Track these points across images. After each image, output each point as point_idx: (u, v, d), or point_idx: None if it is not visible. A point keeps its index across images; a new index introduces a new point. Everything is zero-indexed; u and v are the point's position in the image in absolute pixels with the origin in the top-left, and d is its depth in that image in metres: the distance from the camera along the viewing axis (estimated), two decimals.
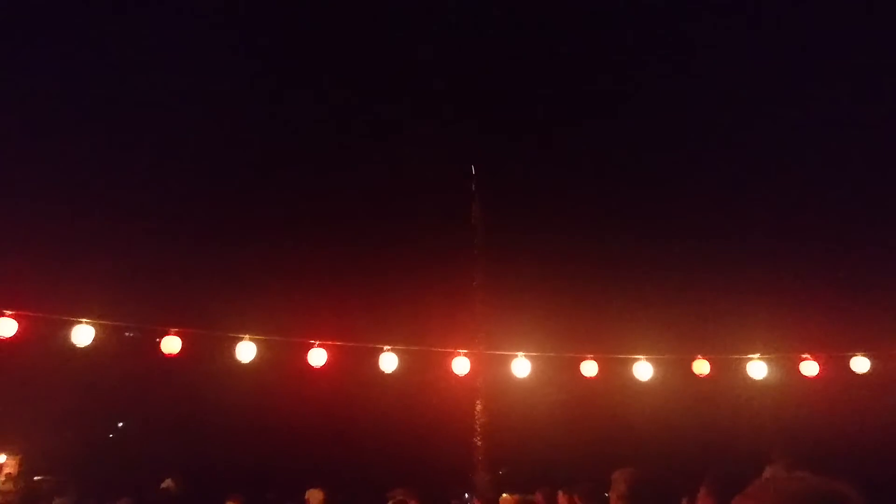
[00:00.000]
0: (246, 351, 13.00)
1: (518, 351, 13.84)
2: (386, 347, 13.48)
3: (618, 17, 18.08)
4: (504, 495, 11.33)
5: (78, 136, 17.36)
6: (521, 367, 13.83)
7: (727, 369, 14.18)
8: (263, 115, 18.42)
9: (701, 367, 13.98)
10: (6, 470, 16.79)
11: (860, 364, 13.71)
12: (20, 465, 17.29)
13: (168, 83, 17.12)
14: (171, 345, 12.69)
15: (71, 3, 17.21)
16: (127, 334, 12.74)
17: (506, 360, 13.85)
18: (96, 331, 12.23)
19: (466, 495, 14.80)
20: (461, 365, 13.63)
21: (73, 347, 12.14)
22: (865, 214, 16.85)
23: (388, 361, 13.51)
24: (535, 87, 18.28)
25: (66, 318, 12.15)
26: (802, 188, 16.90)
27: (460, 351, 13.62)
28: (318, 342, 13.28)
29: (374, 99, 18.40)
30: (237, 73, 18.05)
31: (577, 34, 18.16)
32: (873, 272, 16.16)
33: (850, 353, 13.70)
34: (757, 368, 13.93)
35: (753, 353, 13.91)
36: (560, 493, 8.69)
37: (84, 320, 12.16)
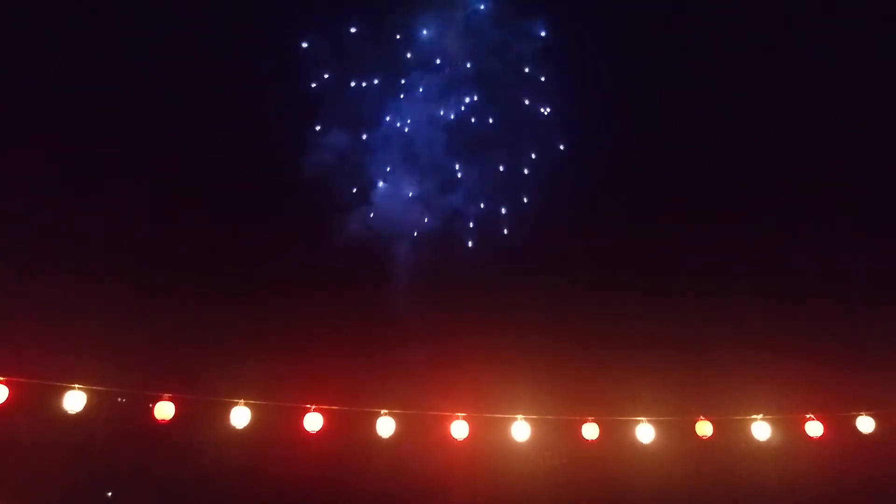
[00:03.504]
0: (241, 416, 12.79)
1: (517, 414, 13.63)
2: (383, 411, 13.28)
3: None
4: None
5: (68, 199, 17.38)
6: (520, 430, 13.60)
7: (730, 431, 13.96)
8: (256, 186, 18.56)
9: (703, 428, 13.76)
10: None
11: (865, 424, 13.52)
12: None
13: (167, 147, 17.29)
14: (164, 410, 12.49)
15: None
16: (120, 400, 12.55)
17: (505, 424, 13.64)
18: (88, 396, 12.04)
19: None
20: (460, 429, 13.42)
21: (64, 413, 11.94)
22: (870, 275, 16.85)
23: (386, 426, 13.29)
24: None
25: (58, 384, 11.96)
26: (806, 248, 16.95)
27: (459, 414, 13.42)
28: (313, 406, 13.09)
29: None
30: (235, 142, 18.24)
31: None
32: (878, 331, 16.07)
33: (855, 413, 13.53)
34: (760, 429, 13.71)
35: (757, 413, 13.72)
36: None
37: (76, 386, 11.97)
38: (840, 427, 13.54)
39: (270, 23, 18.33)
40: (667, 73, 18.15)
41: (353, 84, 19.24)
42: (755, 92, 17.97)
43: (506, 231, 18.45)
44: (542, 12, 19.37)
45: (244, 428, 12.83)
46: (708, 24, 18.32)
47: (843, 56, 17.16)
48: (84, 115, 17.76)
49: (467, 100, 19.30)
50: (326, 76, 18.93)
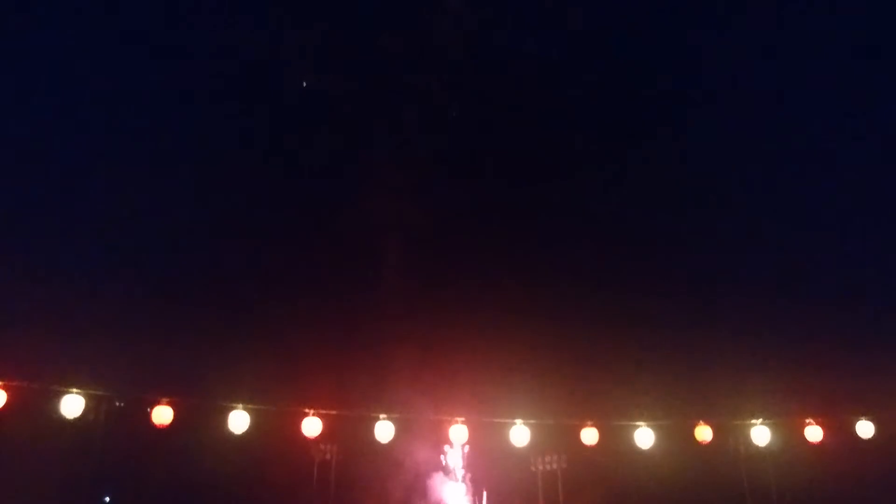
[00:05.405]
0: (239, 420, 12.75)
1: (516, 418, 13.58)
2: (382, 416, 13.22)
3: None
4: None
5: (67, 206, 17.40)
6: (519, 434, 13.55)
7: (730, 435, 13.94)
8: (260, 191, 18.58)
9: (703, 433, 13.72)
10: None
11: (865, 428, 13.48)
12: None
13: (161, 153, 17.32)
14: (162, 415, 12.44)
15: None
16: (118, 404, 12.51)
17: (504, 428, 13.58)
18: (87, 401, 12.00)
19: None
20: (458, 433, 13.37)
21: (62, 418, 11.90)
22: (869, 279, 16.88)
23: (384, 430, 13.24)
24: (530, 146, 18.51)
25: (56, 388, 11.93)
26: (807, 252, 16.97)
27: (458, 419, 13.37)
28: (312, 411, 13.04)
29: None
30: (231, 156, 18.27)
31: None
32: (878, 337, 16.07)
33: (854, 418, 13.49)
34: (760, 434, 13.68)
35: (756, 418, 13.69)
36: None
37: (74, 390, 11.94)
38: (839, 431, 13.49)
39: (264, 23, 18.36)
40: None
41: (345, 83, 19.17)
42: (758, 100, 18.04)
43: (504, 230, 18.40)
44: None
45: (243, 432, 12.80)
46: None
47: None
48: (78, 120, 17.80)
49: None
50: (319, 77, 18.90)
